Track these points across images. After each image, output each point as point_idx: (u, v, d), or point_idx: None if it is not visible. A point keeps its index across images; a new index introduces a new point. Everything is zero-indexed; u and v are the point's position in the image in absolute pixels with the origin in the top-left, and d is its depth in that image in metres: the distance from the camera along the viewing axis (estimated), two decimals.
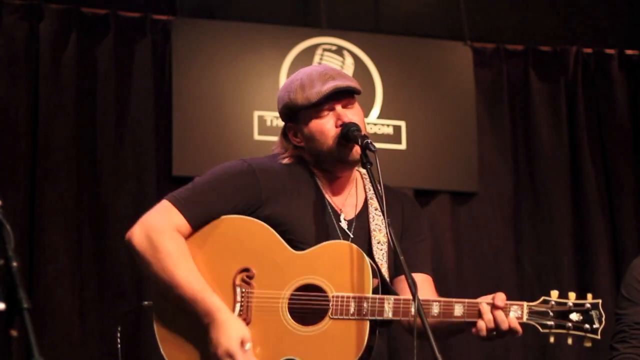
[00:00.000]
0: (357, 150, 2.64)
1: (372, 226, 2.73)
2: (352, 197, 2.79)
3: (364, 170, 2.81)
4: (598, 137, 5.78)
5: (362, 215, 2.76)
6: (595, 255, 5.58)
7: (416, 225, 2.84)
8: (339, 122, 2.67)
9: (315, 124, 2.69)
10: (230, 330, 2.47)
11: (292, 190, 2.69)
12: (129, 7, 5.18)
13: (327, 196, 2.74)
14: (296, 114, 2.72)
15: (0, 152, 4.80)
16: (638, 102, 5.86)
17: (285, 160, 2.75)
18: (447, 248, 5.43)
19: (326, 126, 2.68)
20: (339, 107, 2.69)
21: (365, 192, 2.82)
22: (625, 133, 5.79)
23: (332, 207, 2.73)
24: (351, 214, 2.75)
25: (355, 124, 2.66)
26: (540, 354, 5.42)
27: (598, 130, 5.79)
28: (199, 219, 2.60)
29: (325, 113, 2.69)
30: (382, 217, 2.72)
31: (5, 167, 4.80)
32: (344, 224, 2.72)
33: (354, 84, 2.71)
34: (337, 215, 2.72)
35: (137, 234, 2.59)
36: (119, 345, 3.78)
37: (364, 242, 2.66)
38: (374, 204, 2.79)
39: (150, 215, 2.61)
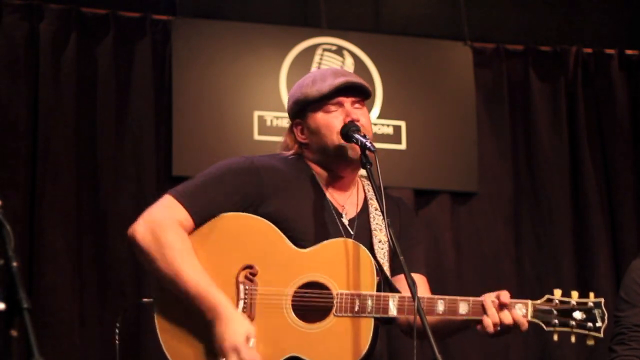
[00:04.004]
0: (357, 149, 2.65)
1: (373, 226, 2.73)
2: (353, 196, 2.79)
3: (361, 172, 2.81)
4: (598, 137, 5.78)
5: (363, 215, 2.76)
6: (595, 256, 5.58)
7: (412, 230, 2.85)
8: (347, 119, 2.68)
9: (322, 118, 2.70)
10: (235, 325, 2.45)
11: (294, 188, 2.69)
12: (129, 7, 5.19)
13: (328, 195, 2.74)
14: (305, 109, 2.73)
15: (0, 152, 4.80)
16: (638, 102, 5.86)
17: (288, 157, 2.76)
18: (447, 248, 5.43)
19: (334, 121, 2.69)
20: (347, 104, 2.71)
21: (365, 192, 2.83)
22: (625, 133, 5.79)
23: (333, 206, 2.72)
24: (352, 213, 2.75)
25: (355, 124, 2.66)
26: (539, 352, 5.43)
27: (598, 130, 5.79)
28: (202, 214, 2.59)
29: (334, 108, 2.71)
30: (382, 217, 2.72)
31: (5, 167, 4.80)
32: (345, 222, 2.72)
33: (366, 84, 2.75)
34: (339, 214, 2.72)
35: (141, 229, 2.56)
36: (117, 342, 3.78)
37: (366, 241, 2.66)
38: (373, 204, 2.79)
39: (154, 210, 2.59)
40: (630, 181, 5.73)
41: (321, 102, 2.70)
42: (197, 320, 2.51)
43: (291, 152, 2.77)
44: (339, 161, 2.71)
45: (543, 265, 5.57)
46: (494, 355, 5.38)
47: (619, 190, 5.71)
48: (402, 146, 5.41)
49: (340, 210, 2.73)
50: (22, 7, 4.97)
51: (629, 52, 5.88)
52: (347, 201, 2.77)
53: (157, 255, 2.52)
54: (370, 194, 2.81)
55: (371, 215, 2.75)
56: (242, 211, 2.62)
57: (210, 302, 2.48)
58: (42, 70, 4.93)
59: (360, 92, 2.75)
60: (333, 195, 2.75)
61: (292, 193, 2.67)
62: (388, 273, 2.67)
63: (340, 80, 2.69)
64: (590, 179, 5.66)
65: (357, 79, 2.74)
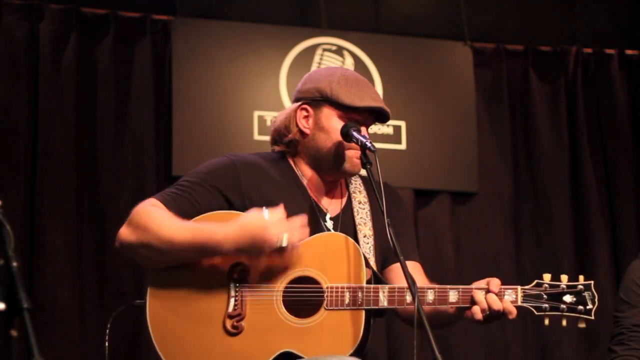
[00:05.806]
0: (354, 161, 2.66)
1: (357, 220, 2.74)
2: (336, 193, 2.80)
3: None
4: (598, 137, 5.78)
5: (347, 211, 2.77)
6: (595, 256, 5.58)
7: (397, 216, 2.82)
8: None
9: (338, 124, 2.69)
10: (254, 228, 2.46)
11: (277, 186, 2.69)
12: (129, 7, 5.19)
13: (312, 195, 2.74)
14: (324, 103, 2.71)
15: (0, 152, 4.81)
16: (638, 102, 5.86)
17: (272, 155, 2.76)
18: (447, 248, 5.43)
19: None
20: (364, 126, 2.71)
21: (348, 185, 2.83)
22: (625, 133, 5.79)
23: (317, 206, 2.73)
24: (336, 211, 2.76)
25: (356, 125, 2.67)
26: (539, 352, 5.43)
27: (598, 130, 5.79)
28: (184, 212, 2.59)
29: (352, 120, 2.69)
30: (366, 210, 2.76)
31: (5, 167, 4.80)
32: (329, 223, 2.72)
33: (389, 113, 2.75)
34: (323, 214, 2.73)
35: (122, 229, 2.60)
36: (107, 344, 3.78)
37: (350, 237, 2.65)
38: (357, 197, 2.79)
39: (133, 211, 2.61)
40: (630, 181, 5.73)
41: (347, 109, 2.69)
42: (191, 320, 2.52)
43: (290, 136, 2.73)
44: (332, 168, 2.72)
45: (543, 265, 5.56)
46: (494, 355, 5.38)
47: (619, 190, 5.71)
48: (402, 146, 5.41)
49: (325, 211, 2.73)
50: (22, 7, 4.97)
51: (629, 52, 5.88)
52: (331, 199, 2.77)
53: (146, 238, 2.53)
54: (353, 187, 2.81)
55: (355, 210, 2.76)
56: (227, 209, 2.62)
57: (219, 238, 2.48)
58: (42, 70, 4.94)
59: (380, 117, 2.77)
60: (316, 195, 2.75)
61: (275, 191, 2.67)
62: (375, 267, 2.68)
63: (376, 105, 2.69)
64: (590, 179, 5.66)
65: (386, 108, 2.72)
